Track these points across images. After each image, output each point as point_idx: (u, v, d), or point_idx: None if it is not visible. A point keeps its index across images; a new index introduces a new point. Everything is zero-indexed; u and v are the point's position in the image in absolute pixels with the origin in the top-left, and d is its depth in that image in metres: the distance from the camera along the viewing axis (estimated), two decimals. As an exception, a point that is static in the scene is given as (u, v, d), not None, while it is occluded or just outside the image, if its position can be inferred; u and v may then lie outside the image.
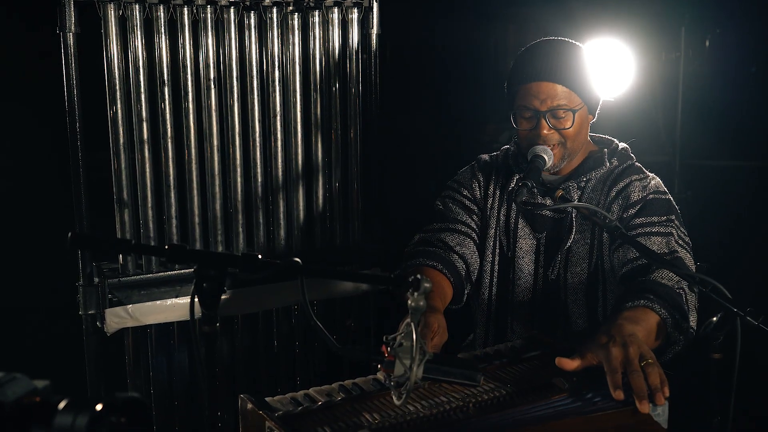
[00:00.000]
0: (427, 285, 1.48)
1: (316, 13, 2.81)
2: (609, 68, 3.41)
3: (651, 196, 2.25)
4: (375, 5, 2.90)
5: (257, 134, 2.80)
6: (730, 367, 1.81)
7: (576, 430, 1.62)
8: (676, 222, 2.23)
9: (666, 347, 2.02)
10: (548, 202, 2.30)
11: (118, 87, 2.58)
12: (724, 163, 4.81)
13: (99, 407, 1.00)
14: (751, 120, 4.63)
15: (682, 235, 2.22)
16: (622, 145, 2.41)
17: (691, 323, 2.07)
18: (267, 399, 1.70)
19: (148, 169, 2.66)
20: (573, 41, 2.31)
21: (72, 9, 2.47)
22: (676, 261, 2.11)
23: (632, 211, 2.24)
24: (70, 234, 1.47)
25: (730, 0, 4.60)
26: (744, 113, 4.64)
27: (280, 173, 2.85)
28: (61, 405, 1.01)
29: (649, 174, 2.33)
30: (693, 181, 4.43)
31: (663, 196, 2.27)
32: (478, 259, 2.39)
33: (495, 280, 2.39)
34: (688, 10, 4.51)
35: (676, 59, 4.40)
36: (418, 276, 1.48)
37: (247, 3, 2.71)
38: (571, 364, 1.79)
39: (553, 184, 2.31)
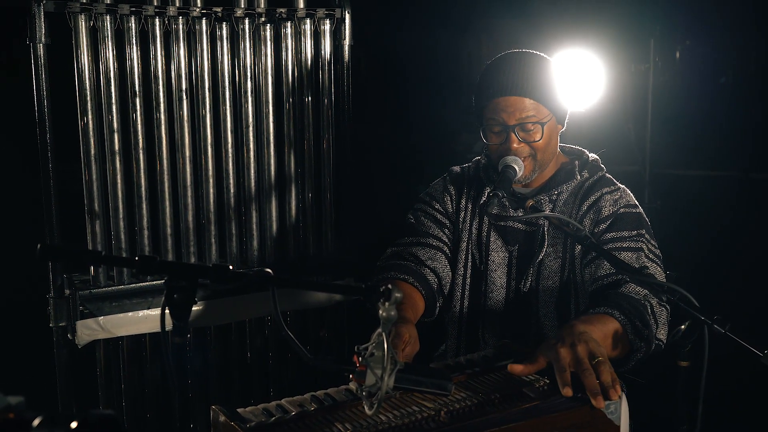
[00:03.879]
0: (397, 295, 1.48)
1: (289, 24, 2.82)
2: (579, 79, 3.44)
3: (622, 210, 2.27)
4: (347, 17, 2.91)
5: (230, 145, 2.80)
6: (698, 375, 1.83)
7: (532, 431, 1.63)
8: (646, 236, 2.25)
9: (628, 354, 2.04)
10: (520, 214, 2.31)
11: (89, 98, 2.57)
12: (693, 173, 4.88)
13: (73, 425, 1.00)
14: (721, 130, 4.70)
15: (652, 248, 2.24)
16: (592, 156, 2.43)
17: (661, 337, 2.08)
18: (239, 410, 1.70)
19: (119, 180, 2.65)
20: (537, 52, 2.32)
21: (42, 19, 2.46)
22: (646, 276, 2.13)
23: (603, 226, 2.25)
24: (39, 245, 1.46)
25: (700, 12, 4.67)
26: (713, 123, 4.71)
27: (252, 184, 2.85)
28: (36, 422, 1.00)
29: (620, 186, 2.34)
30: (663, 190, 4.48)
31: (633, 210, 2.29)
32: (450, 273, 2.40)
33: (467, 292, 2.39)
34: (659, 22, 4.57)
35: (646, 70, 4.46)
36: (389, 286, 1.49)
37: (219, 14, 2.72)
38: (518, 368, 1.81)
39: (525, 197, 2.32)
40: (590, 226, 2.27)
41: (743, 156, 4.75)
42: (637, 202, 2.33)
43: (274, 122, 2.85)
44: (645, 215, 2.32)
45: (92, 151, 2.60)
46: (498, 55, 2.34)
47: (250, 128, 2.82)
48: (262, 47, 2.80)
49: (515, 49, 2.32)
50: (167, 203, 2.73)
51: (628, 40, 4.50)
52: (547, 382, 1.80)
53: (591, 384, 1.70)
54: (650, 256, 2.21)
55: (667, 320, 2.10)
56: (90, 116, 2.58)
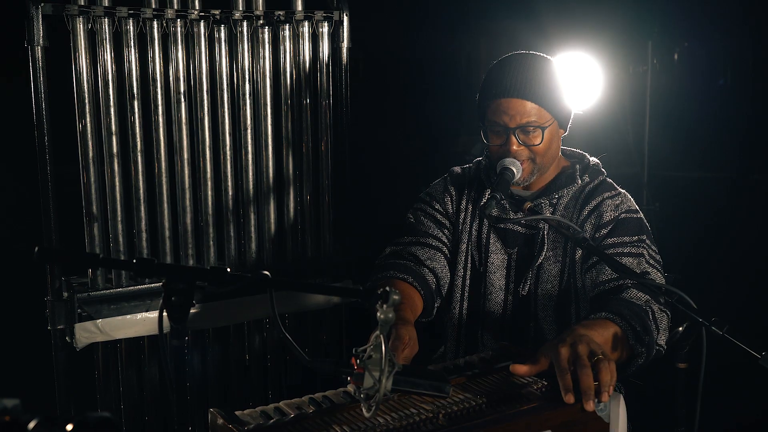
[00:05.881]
0: (395, 297, 1.48)
1: (287, 26, 2.82)
2: (577, 81, 3.45)
3: (623, 215, 2.26)
4: (345, 19, 2.92)
5: (228, 147, 2.80)
6: (696, 377, 1.83)
7: (523, 429, 1.63)
8: (647, 241, 2.24)
9: (629, 360, 2.03)
10: (520, 216, 2.31)
11: (87, 100, 2.57)
12: (691, 175, 4.89)
13: (69, 427, 0.99)
14: (719, 132, 4.70)
15: (653, 254, 2.23)
16: (593, 160, 2.42)
17: (661, 342, 2.06)
18: (237, 413, 1.69)
19: (117, 183, 2.65)
20: (544, 55, 2.31)
21: (40, 22, 2.46)
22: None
23: (604, 231, 2.24)
24: (37, 248, 1.46)
25: (698, 14, 4.68)
26: (711, 125, 4.71)
27: (251, 186, 2.85)
28: (31, 425, 1.00)
29: (621, 191, 2.33)
30: (661, 192, 4.48)
31: (634, 215, 2.28)
32: (449, 274, 2.39)
33: (466, 294, 2.39)
34: (657, 24, 4.57)
35: (644, 72, 4.46)
36: (387, 288, 1.49)
37: (218, 16, 2.72)
38: (522, 368, 1.81)
39: (524, 199, 2.32)
40: (591, 230, 2.26)
41: (742, 157, 4.76)
42: (637, 207, 2.33)
43: (272, 125, 2.85)
44: (645, 220, 2.31)
45: (90, 154, 2.60)
46: (502, 55, 2.33)
47: (249, 131, 2.82)
48: (261, 50, 2.80)
49: (522, 51, 2.31)
50: (165, 206, 2.73)
51: (626, 42, 4.50)
52: (545, 383, 1.80)
53: (586, 384, 1.69)
54: (651, 261, 2.20)
55: (668, 326, 2.09)
56: (88, 119, 2.58)
